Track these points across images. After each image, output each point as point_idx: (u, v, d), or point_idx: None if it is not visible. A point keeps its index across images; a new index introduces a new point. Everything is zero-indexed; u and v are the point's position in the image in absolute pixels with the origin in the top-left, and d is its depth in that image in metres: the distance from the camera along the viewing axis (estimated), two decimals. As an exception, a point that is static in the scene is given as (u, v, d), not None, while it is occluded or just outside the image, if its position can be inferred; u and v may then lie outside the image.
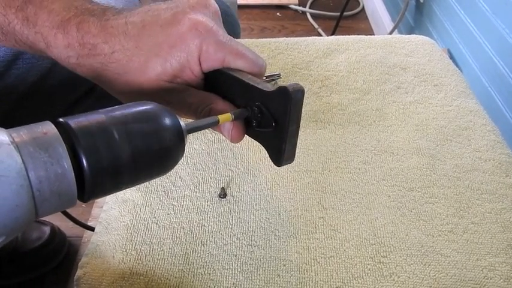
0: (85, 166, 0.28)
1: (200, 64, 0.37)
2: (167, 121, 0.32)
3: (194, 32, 0.35)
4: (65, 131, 0.28)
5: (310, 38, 0.72)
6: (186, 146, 0.33)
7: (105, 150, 0.28)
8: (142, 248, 0.44)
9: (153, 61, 0.36)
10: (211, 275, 0.42)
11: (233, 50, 0.37)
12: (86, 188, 0.28)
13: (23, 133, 0.27)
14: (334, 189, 0.49)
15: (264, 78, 0.61)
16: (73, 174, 0.27)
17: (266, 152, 0.38)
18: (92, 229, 0.50)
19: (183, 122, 0.32)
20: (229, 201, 0.48)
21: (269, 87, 0.35)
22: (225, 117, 0.36)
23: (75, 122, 0.28)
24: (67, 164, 0.27)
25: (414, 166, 0.51)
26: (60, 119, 0.29)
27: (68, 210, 0.94)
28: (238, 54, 0.37)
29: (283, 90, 0.32)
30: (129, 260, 0.43)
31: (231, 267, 0.42)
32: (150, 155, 0.31)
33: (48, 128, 0.28)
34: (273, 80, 0.62)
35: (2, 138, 0.26)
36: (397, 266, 0.43)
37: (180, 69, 0.36)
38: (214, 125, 0.35)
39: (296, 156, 0.52)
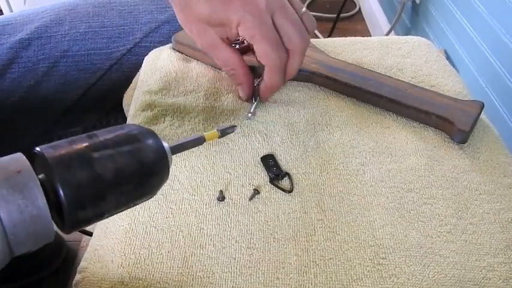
0: (63, 200, 0.26)
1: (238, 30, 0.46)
2: (150, 143, 0.30)
3: (243, 5, 0.45)
4: (41, 162, 0.27)
5: (307, 40, 0.72)
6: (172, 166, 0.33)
7: (84, 180, 0.27)
8: (141, 252, 0.44)
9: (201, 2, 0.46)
10: (211, 278, 0.42)
11: (263, 33, 0.46)
12: (65, 222, 0.27)
13: None
14: (332, 191, 0.49)
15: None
16: (49, 214, 0.26)
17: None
18: (90, 234, 0.50)
19: (166, 143, 0.32)
20: (227, 204, 0.48)
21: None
22: (212, 135, 0.37)
23: (51, 152, 0.27)
24: (42, 204, 0.25)
25: (412, 167, 0.51)
26: (37, 149, 0.27)
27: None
28: (263, 39, 0.46)
29: None
30: (128, 264, 0.43)
31: (230, 270, 0.42)
32: (133, 180, 0.29)
33: (21, 165, 0.26)
34: None
35: None
36: (396, 267, 0.43)
37: (219, 22, 0.47)
38: (200, 144, 0.36)
39: (294, 158, 0.52)
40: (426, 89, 0.59)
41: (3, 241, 0.25)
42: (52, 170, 0.26)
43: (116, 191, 0.28)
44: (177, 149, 0.34)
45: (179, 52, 0.67)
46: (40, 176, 0.27)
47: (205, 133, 0.36)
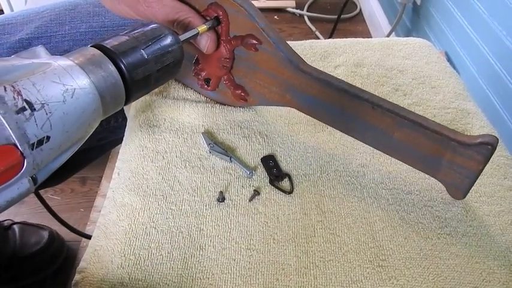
0: (126, 75, 0.37)
1: None
2: (170, 34, 0.42)
3: None
4: (104, 51, 0.37)
5: (307, 41, 0.72)
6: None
7: (138, 61, 0.38)
8: (140, 253, 0.43)
9: None
10: (210, 279, 0.42)
11: None
12: (129, 89, 0.38)
13: (78, 56, 0.35)
14: (332, 192, 0.49)
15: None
16: (122, 82, 0.37)
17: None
18: (89, 237, 0.50)
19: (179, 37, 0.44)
20: (227, 205, 0.48)
21: None
22: (202, 29, 0.48)
23: (111, 45, 0.37)
24: (117, 75, 0.36)
25: (412, 169, 0.51)
26: (97, 44, 0.38)
27: (66, 215, 0.94)
28: None
29: None
30: (128, 265, 0.43)
31: (230, 271, 0.42)
32: (165, 60, 0.41)
33: (93, 51, 0.36)
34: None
35: (68, 62, 0.34)
36: (396, 269, 0.43)
37: None
38: (196, 37, 0.48)
39: (294, 159, 0.52)
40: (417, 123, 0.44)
41: (100, 101, 0.35)
42: (116, 55, 0.37)
43: (156, 66, 0.40)
44: (184, 40, 0.45)
45: None
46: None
47: (199, 28, 0.47)
